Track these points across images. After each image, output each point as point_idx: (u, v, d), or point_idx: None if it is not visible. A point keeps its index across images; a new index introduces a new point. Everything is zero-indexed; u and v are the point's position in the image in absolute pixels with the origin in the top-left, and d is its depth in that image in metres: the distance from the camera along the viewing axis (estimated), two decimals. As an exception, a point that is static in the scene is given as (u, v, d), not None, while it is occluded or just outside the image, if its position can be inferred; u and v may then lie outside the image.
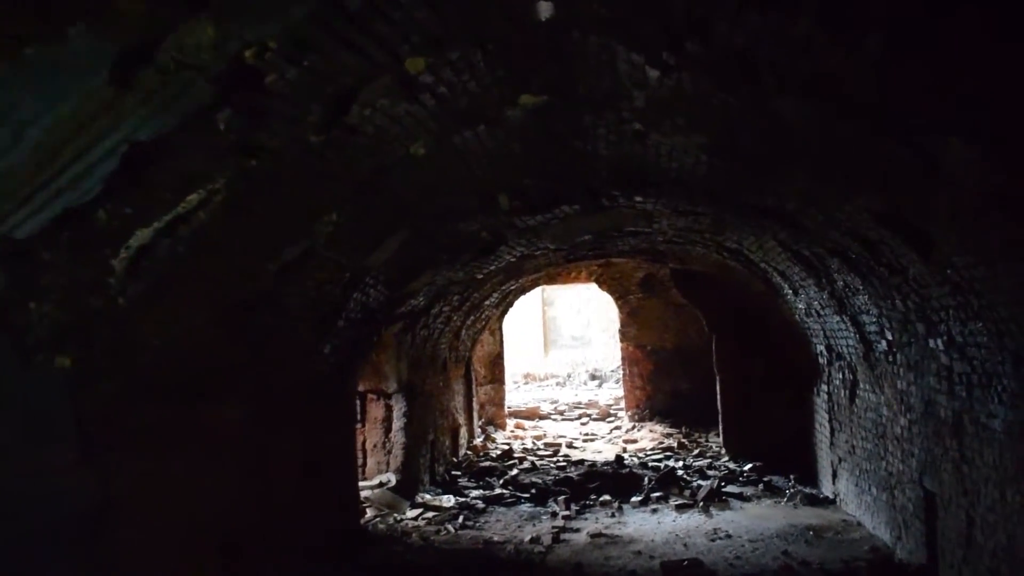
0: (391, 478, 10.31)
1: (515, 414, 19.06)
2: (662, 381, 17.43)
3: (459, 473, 12.37)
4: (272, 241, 5.62)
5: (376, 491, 10.04)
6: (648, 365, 17.60)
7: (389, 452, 10.57)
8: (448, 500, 10.52)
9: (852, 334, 8.62)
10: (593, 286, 19.39)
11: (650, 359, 17.56)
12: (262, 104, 3.93)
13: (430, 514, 9.76)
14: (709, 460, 12.86)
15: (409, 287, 8.89)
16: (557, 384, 26.87)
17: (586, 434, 16.79)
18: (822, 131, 4.70)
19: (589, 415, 18.92)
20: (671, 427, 16.42)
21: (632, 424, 17.12)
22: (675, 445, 14.27)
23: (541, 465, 12.88)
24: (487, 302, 14.05)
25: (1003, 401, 5.32)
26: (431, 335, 11.56)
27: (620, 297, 17.66)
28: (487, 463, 13.10)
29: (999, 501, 5.49)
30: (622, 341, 17.94)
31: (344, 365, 8.29)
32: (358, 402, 10.71)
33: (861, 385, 8.85)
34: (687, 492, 10.59)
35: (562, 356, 28.20)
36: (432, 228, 7.59)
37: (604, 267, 17.06)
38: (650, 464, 12.50)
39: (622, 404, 18.52)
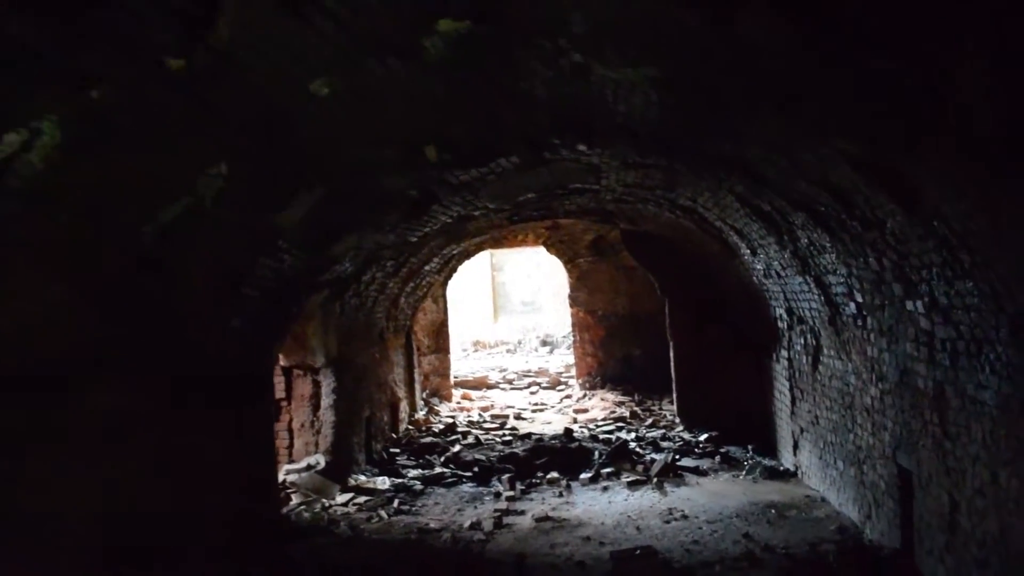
0: (320, 460, 9.48)
1: (462, 384, 18.30)
2: (614, 347, 16.79)
3: (398, 451, 11.58)
4: (145, 197, 4.71)
5: (303, 475, 9.21)
6: (599, 331, 16.93)
7: (318, 432, 9.72)
8: (383, 482, 9.75)
9: (816, 296, 7.95)
10: (542, 250, 18.63)
11: (601, 325, 16.89)
12: (87, 15, 3.04)
13: (362, 499, 8.96)
14: (663, 431, 12.24)
15: (332, 251, 8.00)
16: (507, 351, 26.19)
17: (535, 404, 16.10)
18: (795, 56, 3.92)
19: (539, 384, 18.23)
20: (623, 395, 15.79)
21: (583, 392, 16.46)
22: (627, 415, 13.63)
23: (486, 440, 12.14)
24: (427, 267, 13.18)
25: (996, 371, 4.64)
26: (364, 304, 10.69)
27: (569, 261, 16.92)
28: (429, 439, 12.32)
29: (990, 484, 4.84)
30: (572, 306, 17.22)
31: (258, 339, 7.40)
32: (283, 378, 9.85)
33: (825, 351, 8.21)
34: (640, 467, 9.93)
35: (512, 322, 27.49)
36: (351, 184, 6.70)
37: (552, 229, 16.29)
38: (601, 436, 11.83)
39: (573, 372, 17.86)
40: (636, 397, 15.49)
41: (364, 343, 11.15)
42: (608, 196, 10.50)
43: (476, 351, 26.52)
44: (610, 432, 12.30)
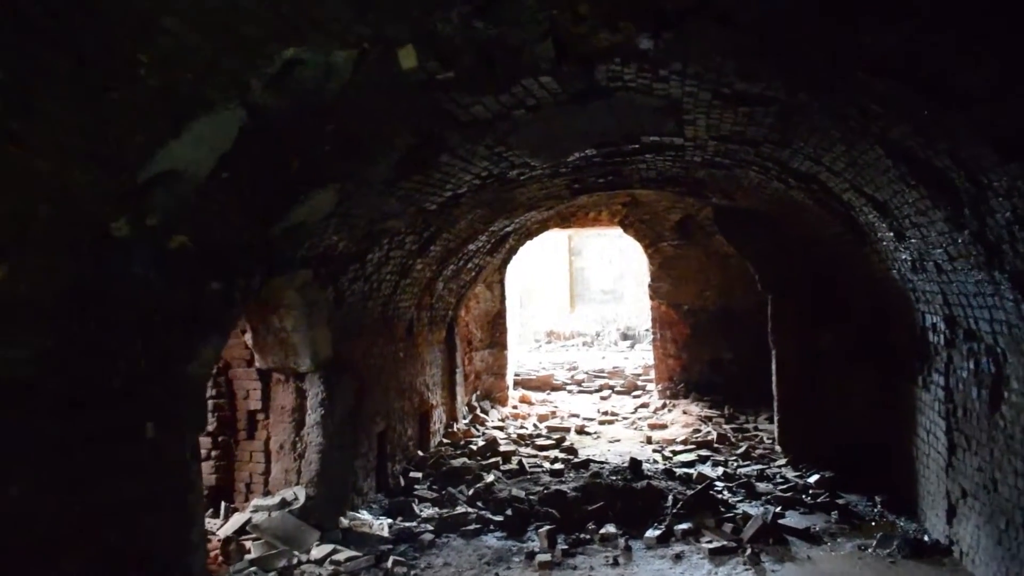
0: (299, 494, 7.20)
1: (523, 383, 15.88)
2: (700, 349, 14.08)
3: (421, 475, 9.23)
4: None
5: (273, 516, 6.95)
6: (684, 329, 14.24)
7: (300, 456, 7.44)
8: (382, 526, 7.41)
9: (1009, 304, 5.21)
10: (619, 231, 16.02)
11: (686, 321, 14.20)
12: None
13: (345, 555, 6.63)
14: (759, 465, 9.54)
15: (294, 217, 5.64)
16: (584, 344, 23.69)
17: (604, 412, 13.55)
18: None
19: (611, 387, 15.66)
20: (710, 407, 13.11)
21: (662, 401, 13.83)
22: (714, 437, 10.96)
23: (532, 466, 9.66)
24: (471, 247, 10.78)
25: None
26: (375, 290, 8.34)
27: (651, 244, 14.26)
28: (462, 460, 9.92)
29: None
30: (652, 299, 14.57)
31: (169, 340, 5.12)
32: (259, 384, 7.61)
33: (1016, 386, 5.47)
34: (728, 525, 7.30)
35: (591, 312, 24.95)
36: (285, 112, 4.32)
37: (630, 206, 13.66)
38: (677, 471, 9.20)
39: (652, 374, 15.24)
40: (726, 411, 12.80)
41: (379, 339, 8.82)
42: (696, 157, 7.90)
43: (550, 343, 24.12)
44: (690, 464, 9.67)
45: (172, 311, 4.90)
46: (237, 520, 7.08)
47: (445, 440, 10.98)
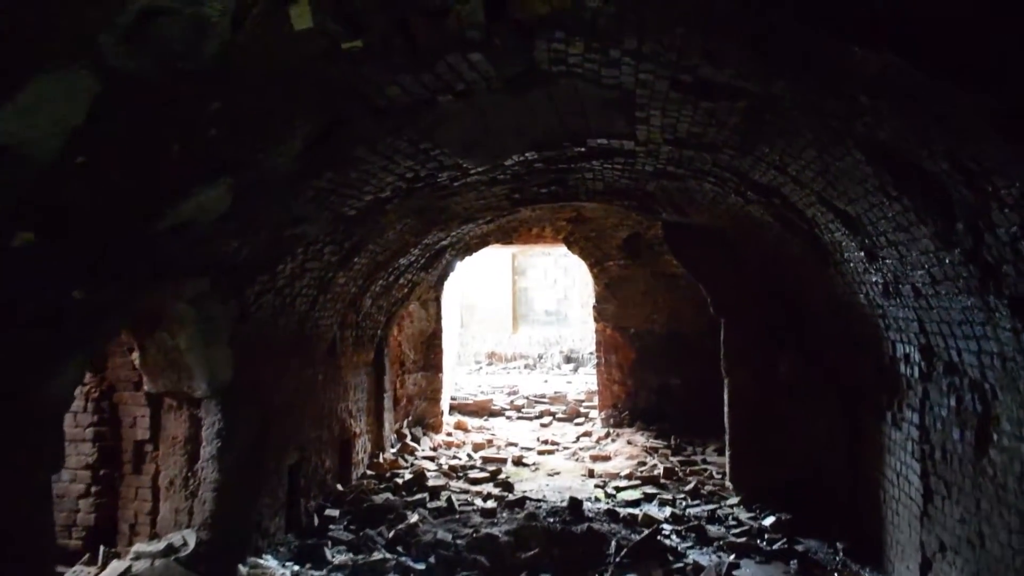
0: (188, 539, 6.23)
1: (460, 408, 15.00)
2: (647, 374, 13.37)
3: (338, 513, 8.29)
4: None
5: (156, 565, 5.96)
6: (630, 353, 13.53)
7: (193, 494, 6.47)
8: (284, 575, 6.47)
9: (1006, 331, 4.53)
10: (564, 249, 15.30)
11: (632, 345, 13.49)
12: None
13: (235, 615, 5.68)
14: (711, 505, 8.77)
15: (179, 215, 4.74)
16: (526, 367, 22.89)
17: (544, 442, 12.72)
18: None
19: (553, 413, 14.85)
20: (656, 437, 12.38)
21: (606, 430, 13.06)
22: (661, 472, 10.19)
23: (462, 504, 8.77)
24: (403, 260, 9.92)
25: None
26: (289, 305, 7.43)
27: (597, 263, 13.53)
28: (385, 495, 9.00)
29: None
30: (597, 321, 13.84)
31: (16, 359, 4.18)
32: (149, 412, 6.63)
33: (1008, 427, 4.78)
34: (676, 576, 6.52)
35: (534, 334, 24.16)
36: (153, 82, 3.46)
37: (575, 222, 12.93)
38: (621, 512, 8.39)
39: (596, 400, 14.48)
40: (672, 442, 12.07)
41: (294, 360, 7.89)
42: (648, 166, 7.19)
43: (491, 364, 23.28)
44: (635, 503, 8.88)
45: (17, 323, 3.98)
46: (114, 569, 6.08)
47: (369, 472, 10.04)
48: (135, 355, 6.41)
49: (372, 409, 10.52)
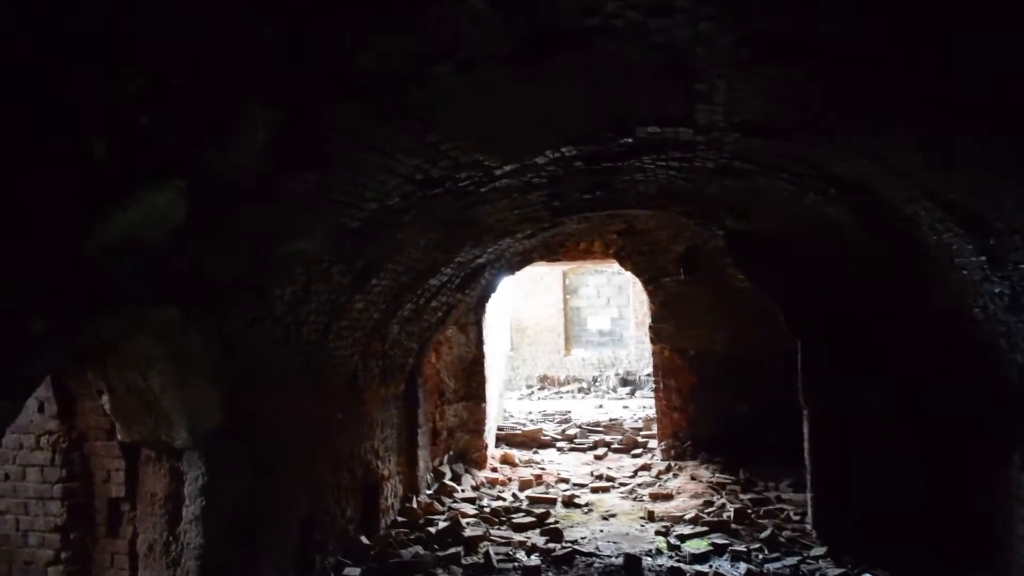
0: (167, 619, 5.22)
1: (507, 439, 13.88)
2: (710, 401, 12.10)
3: (359, 571, 7.22)
4: None
5: (124, 653, 4.96)
6: (689, 377, 12.29)
7: (175, 562, 5.47)
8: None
9: None
10: (616, 266, 14.15)
11: (693, 369, 12.25)
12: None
13: None
14: (793, 558, 7.50)
15: (117, 228, 3.74)
16: (580, 390, 21.72)
17: (599, 477, 11.54)
18: None
19: (608, 444, 13.63)
20: (723, 471, 11.11)
21: (666, 463, 11.83)
22: (731, 514, 8.95)
23: (501, 558, 7.64)
24: (432, 282, 8.89)
25: None
26: (291, 335, 6.42)
27: (651, 280, 12.34)
28: (415, 548, 7.92)
29: None
30: (654, 342, 12.63)
31: None
32: (124, 464, 5.66)
33: None
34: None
35: (588, 355, 22.97)
36: (42, 51, 2.48)
37: (626, 235, 11.78)
38: (688, 571, 7.17)
39: (654, 428, 13.24)
40: (741, 476, 10.80)
41: (302, 398, 6.87)
42: (709, 161, 6.06)
43: (542, 389, 22.16)
44: (703, 557, 7.64)
45: None
46: (79, 655, 5.10)
47: (400, 519, 8.97)
48: (104, 399, 5.46)
49: (404, 447, 9.48)
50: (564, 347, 23.08)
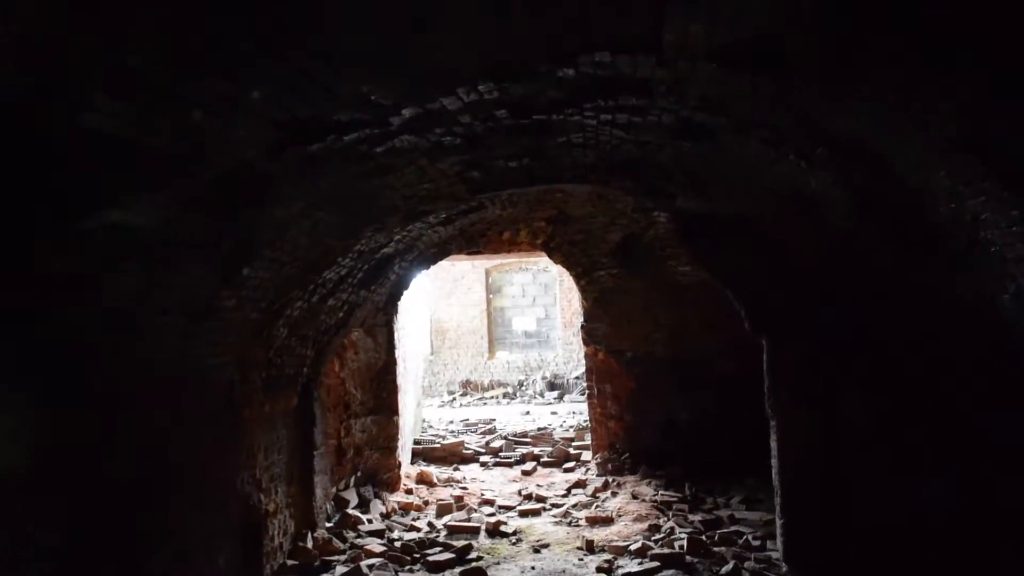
0: None
1: (426, 454, 12.43)
2: (649, 407, 10.89)
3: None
4: None
5: None
6: (627, 381, 11.06)
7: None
8: None
9: None
10: (543, 262, 12.89)
11: (631, 372, 11.02)
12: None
13: None
14: (764, 602, 6.28)
15: None
16: (505, 395, 20.46)
17: (528, 497, 10.18)
18: None
19: (537, 457, 12.29)
20: (667, 486, 9.90)
21: (603, 478, 10.55)
22: (684, 543, 7.68)
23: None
24: (328, 275, 7.41)
25: None
26: (129, 336, 4.87)
27: (584, 273, 11.05)
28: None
29: None
30: (587, 343, 11.36)
31: None
32: None
33: None
34: None
35: (513, 358, 21.69)
36: None
37: (557, 223, 10.45)
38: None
39: (588, 438, 11.99)
40: (687, 491, 9.61)
41: (160, 418, 5.33)
42: (667, 114, 4.78)
43: (465, 395, 20.81)
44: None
45: None
46: None
47: (291, 561, 7.44)
48: None
49: (296, 474, 7.95)
50: (488, 350, 21.77)
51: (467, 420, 15.46)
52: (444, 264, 21.84)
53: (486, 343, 21.76)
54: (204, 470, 6.13)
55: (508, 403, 19.52)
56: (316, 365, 8.74)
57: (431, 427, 14.84)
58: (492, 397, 20.26)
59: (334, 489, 9.29)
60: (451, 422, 15.51)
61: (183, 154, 3.63)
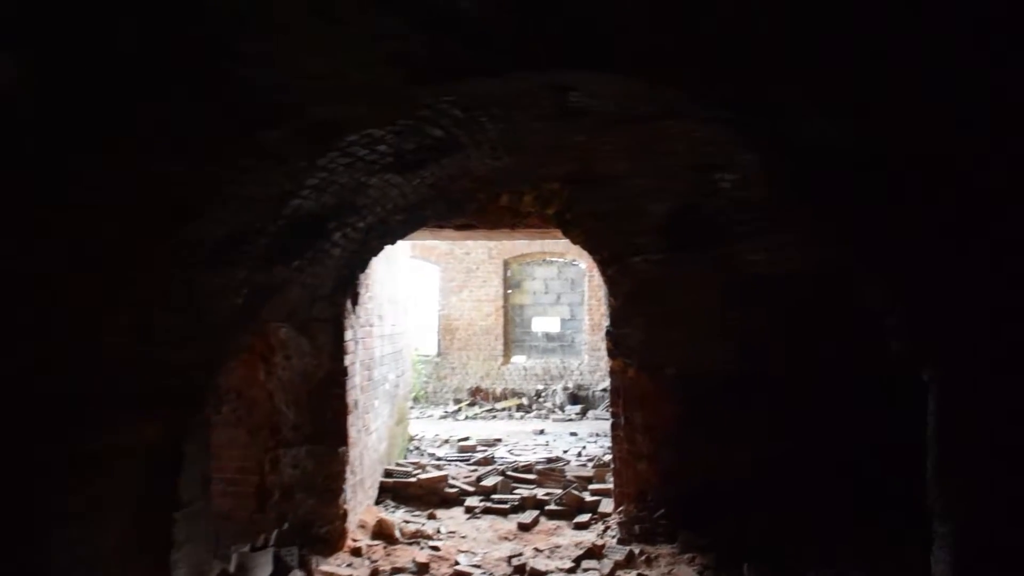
0: None
1: (396, 489, 9.48)
2: (700, 446, 7.83)
3: None
4: None
5: None
6: (667, 409, 8.00)
7: None
8: None
9: None
10: (576, 250, 9.95)
11: (674, 396, 7.96)
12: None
13: None
14: None
15: None
16: (519, 407, 17.58)
17: (519, 571, 7.22)
18: None
19: (541, 503, 9.25)
20: (719, 566, 6.90)
21: (627, 548, 7.53)
22: None
23: None
24: (189, 235, 4.48)
25: None
26: None
27: (613, 259, 7.99)
28: None
29: None
30: (614, 355, 8.32)
31: None
32: None
33: None
34: None
35: (532, 364, 18.79)
36: None
37: (576, 184, 7.39)
38: None
39: (610, 479, 8.98)
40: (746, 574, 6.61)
41: None
42: None
43: (473, 404, 17.94)
44: None
45: None
46: None
47: None
48: None
49: (148, 548, 5.04)
50: (503, 353, 18.85)
51: (465, 441, 12.53)
52: (457, 251, 19.00)
53: (501, 345, 18.84)
54: None
55: (522, 417, 16.62)
56: (212, 373, 5.82)
57: (417, 448, 11.97)
58: (504, 409, 17.34)
59: (237, 556, 6.38)
60: (445, 442, 12.63)
61: None
